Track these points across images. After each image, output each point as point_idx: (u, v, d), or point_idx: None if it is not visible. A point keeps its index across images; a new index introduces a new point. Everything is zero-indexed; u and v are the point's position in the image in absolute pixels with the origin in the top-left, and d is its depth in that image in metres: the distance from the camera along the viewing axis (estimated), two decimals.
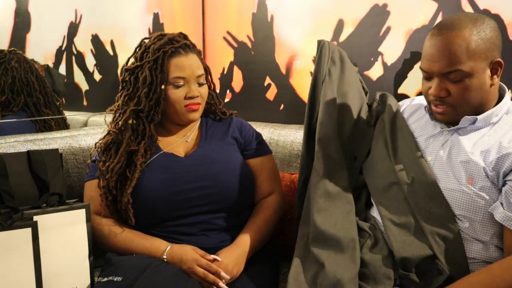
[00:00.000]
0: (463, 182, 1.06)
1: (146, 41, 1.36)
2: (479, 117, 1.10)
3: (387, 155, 1.22)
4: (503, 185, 1.03)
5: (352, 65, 1.44)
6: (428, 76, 1.13)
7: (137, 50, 1.36)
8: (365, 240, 1.14)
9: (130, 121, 1.31)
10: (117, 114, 1.34)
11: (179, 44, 1.31)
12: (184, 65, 1.30)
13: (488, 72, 1.08)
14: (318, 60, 1.37)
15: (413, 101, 1.36)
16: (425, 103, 1.22)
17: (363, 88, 1.45)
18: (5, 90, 2.12)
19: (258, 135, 1.46)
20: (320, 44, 1.39)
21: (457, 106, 1.11)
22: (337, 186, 1.21)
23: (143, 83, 1.29)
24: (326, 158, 1.24)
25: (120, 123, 1.31)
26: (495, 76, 1.09)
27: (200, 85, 1.33)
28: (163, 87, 1.29)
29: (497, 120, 1.12)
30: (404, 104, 1.37)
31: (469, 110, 1.11)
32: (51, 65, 3.16)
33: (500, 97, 1.14)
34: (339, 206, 1.17)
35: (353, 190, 1.24)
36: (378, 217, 1.18)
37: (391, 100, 1.36)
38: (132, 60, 1.36)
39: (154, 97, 1.29)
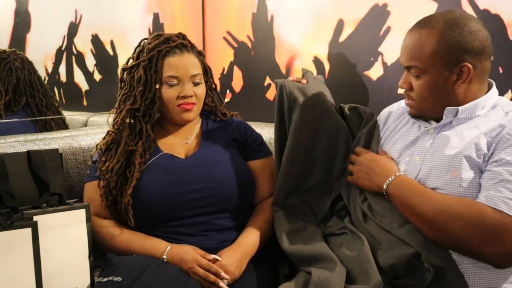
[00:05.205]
0: (448, 176, 1.06)
1: (145, 41, 1.36)
2: (461, 108, 1.10)
3: None
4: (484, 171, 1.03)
5: (318, 85, 1.38)
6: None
7: (136, 50, 1.37)
8: (344, 237, 1.16)
9: (127, 120, 1.31)
10: (116, 114, 1.35)
11: (174, 43, 1.32)
12: (178, 64, 1.30)
13: (449, 75, 1.07)
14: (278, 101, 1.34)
15: (401, 104, 1.35)
16: None
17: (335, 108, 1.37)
18: (9, 91, 2.13)
19: (259, 137, 1.46)
20: (278, 85, 1.36)
21: (417, 101, 1.14)
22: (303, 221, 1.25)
23: (138, 82, 1.30)
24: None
25: (118, 122, 1.31)
26: (459, 82, 1.07)
27: (195, 84, 1.33)
28: (157, 86, 1.30)
29: (484, 113, 1.10)
30: (393, 108, 1.36)
31: (429, 109, 1.14)
32: (51, 65, 3.17)
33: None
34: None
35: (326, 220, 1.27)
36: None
37: (368, 113, 1.32)
38: (130, 60, 1.36)
39: (149, 96, 1.30)
